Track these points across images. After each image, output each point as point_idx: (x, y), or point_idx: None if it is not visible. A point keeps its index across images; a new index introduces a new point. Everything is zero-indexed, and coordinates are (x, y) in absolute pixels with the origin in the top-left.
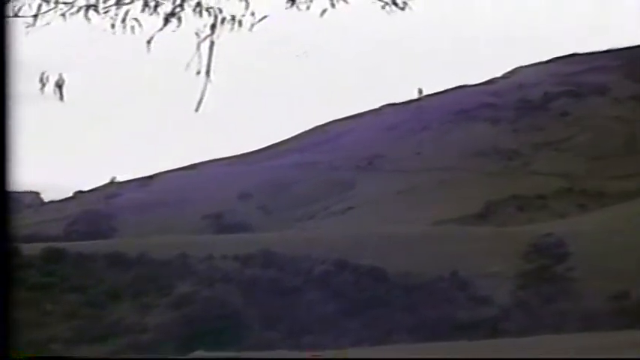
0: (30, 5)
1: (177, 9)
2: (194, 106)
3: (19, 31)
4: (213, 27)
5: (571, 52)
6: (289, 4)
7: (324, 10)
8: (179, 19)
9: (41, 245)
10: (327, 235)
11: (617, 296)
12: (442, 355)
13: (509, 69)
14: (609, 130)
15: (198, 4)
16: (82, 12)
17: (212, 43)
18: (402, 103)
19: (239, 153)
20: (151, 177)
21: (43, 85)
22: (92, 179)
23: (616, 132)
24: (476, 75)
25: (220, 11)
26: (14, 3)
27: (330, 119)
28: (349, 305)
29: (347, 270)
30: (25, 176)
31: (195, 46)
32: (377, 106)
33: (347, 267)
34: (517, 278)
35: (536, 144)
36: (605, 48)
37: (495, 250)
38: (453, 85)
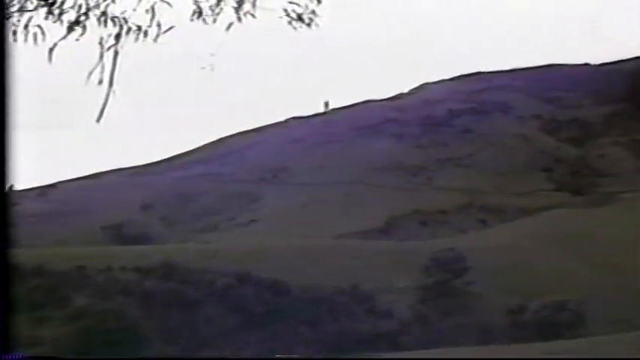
0: None
1: (82, 17)
2: (96, 116)
3: None
4: (117, 36)
5: (476, 71)
6: (195, 17)
7: (231, 24)
8: (83, 28)
9: None
10: (229, 247)
11: (515, 310)
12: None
13: (415, 85)
14: (511, 147)
15: (104, 14)
16: None
17: (116, 53)
18: (308, 116)
19: (143, 163)
20: (50, 186)
21: None
22: None
23: (518, 149)
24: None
25: (126, 21)
26: None
27: (236, 131)
28: (250, 318)
29: (249, 283)
30: None
31: (98, 56)
32: (283, 119)
33: (249, 280)
34: (417, 292)
35: (440, 160)
36: (508, 67)
37: (396, 264)
38: (360, 100)
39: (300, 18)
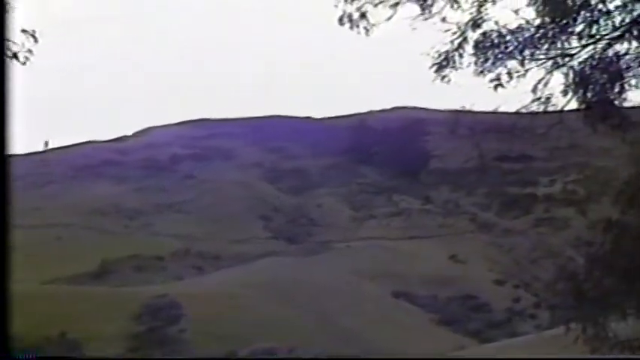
0: None
1: None
2: None
3: None
4: None
5: (201, 117)
6: None
7: None
8: None
9: None
10: None
11: (225, 358)
12: None
13: (140, 128)
14: (231, 194)
15: None
16: None
17: None
18: (26, 154)
19: None
20: None
21: None
22: None
23: (237, 197)
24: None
25: None
26: None
27: None
28: None
29: None
30: None
31: None
32: None
33: None
34: (127, 340)
35: (159, 205)
36: (233, 115)
37: (107, 311)
38: (82, 140)
39: (15, 56)
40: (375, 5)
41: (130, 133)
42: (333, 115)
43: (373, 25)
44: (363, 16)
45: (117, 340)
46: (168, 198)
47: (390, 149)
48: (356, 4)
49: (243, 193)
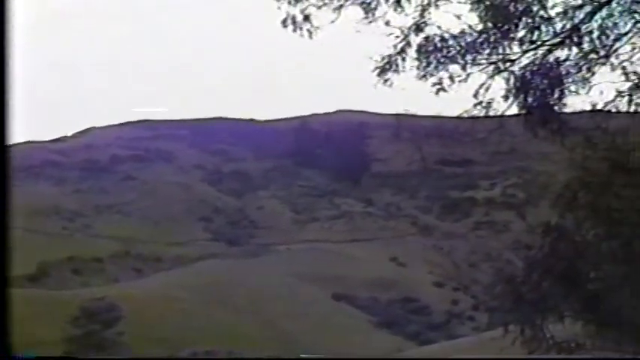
0: None
1: None
2: None
3: None
4: None
5: (143, 118)
6: None
7: None
8: None
9: None
10: None
11: None
12: None
13: (81, 129)
14: (172, 196)
15: None
16: None
17: None
18: None
19: None
20: None
21: None
22: None
23: (178, 198)
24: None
25: None
26: None
27: None
28: None
29: None
30: None
31: None
32: None
33: None
34: (64, 344)
35: (99, 206)
36: (176, 117)
37: (44, 314)
38: (21, 140)
39: None
40: (319, 8)
41: (69, 133)
42: (276, 118)
43: (317, 27)
44: (306, 18)
45: (53, 344)
46: (108, 199)
47: (332, 152)
48: (300, 7)
49: (183, 195)
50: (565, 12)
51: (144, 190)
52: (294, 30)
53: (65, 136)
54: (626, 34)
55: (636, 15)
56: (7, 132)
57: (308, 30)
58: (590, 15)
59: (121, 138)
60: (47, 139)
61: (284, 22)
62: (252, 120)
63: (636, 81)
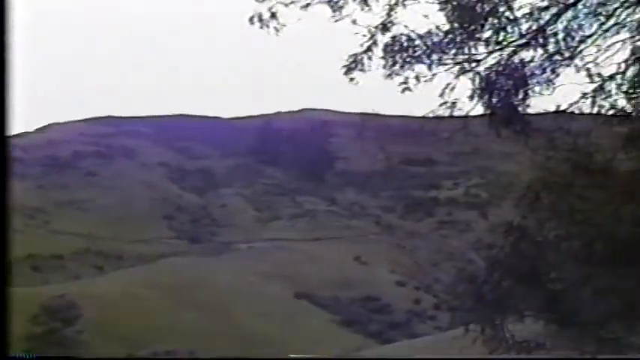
0: None
1: None
2: None
3: None
4: None
5: (106, 114)
6: None
7: None
8: None
9: None
10: None
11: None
12: None
13: (42, 124)
14: (134, 193)
15: None
16: None
17: None
18: None
19: None
20: None
21: None
22: None
23: (141, 196)
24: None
25: None
26: None
27: None
28: None
29: None
30: None
31: None
32: None
33: None
34: (23, 342)
35: (61, 202)
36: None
37: None
38: None
39: None
40: (287, 5)
41: (31, 129)
42: (240, 116)
43: (284, 25)
44: (273, 16)
45: (13, 342)
46: (70, 196)
47: (296, 151)
48: (267, 4)
49: (146, 192)
50: (531, 13)
51: (106, 186)
52: (261, 27)
53: (26, 132)
54: (590, 36)
55: (601, 17)
56: (7, 132)
57: (275, 27)
58: (556, 17)
59: (83, 134)
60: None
61: (251, 20)
62: (216, 118)
63: (600, 83)
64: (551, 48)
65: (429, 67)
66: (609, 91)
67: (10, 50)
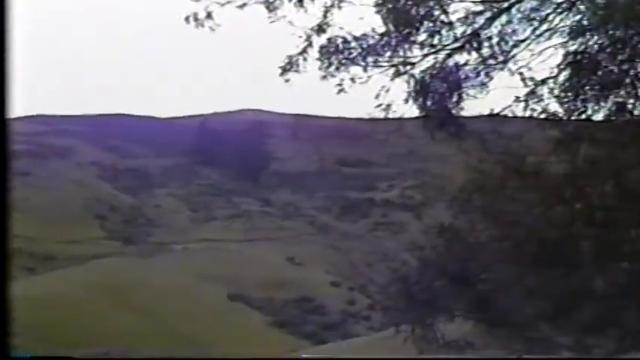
0: None
1: None
2: None
3: None
4: None
5: (38, 113)
6: None
7: None
8: None
9: None
10: None
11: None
12: None
13: None
14: (67, 193)
15: None
16: None
17: None
18: None
19: None
20: None
21: None
22: None
23: (73, 195)
24: None
25: None
26: None
27: None
28: None
29: None
30: None
31: None
32: None
33: None
34: None
35: None
36: (74, 113)
37: None
38: None
39: None
40: (222, 5)
41: None
42: (176, 115)
43: (218, 25)
44: (209, 15)
45: None
46: None
47: (231, 151)
48: (203, 4)
49: (79, 192)
50: (466, 17)
51: (38, 186)
52: (197, 27)
53: None
54: (524, 40)
55: (535, 22)
56: (7, 132)
57: (210, 27)
58: (490, 21)
59: (16, 133)
60: None
61: (187, 19)
62: (152, 117)
63: (533, 87)
64: (485, 52)
65: (365, 69)
66: (541, 95)
67: (9, 50)
